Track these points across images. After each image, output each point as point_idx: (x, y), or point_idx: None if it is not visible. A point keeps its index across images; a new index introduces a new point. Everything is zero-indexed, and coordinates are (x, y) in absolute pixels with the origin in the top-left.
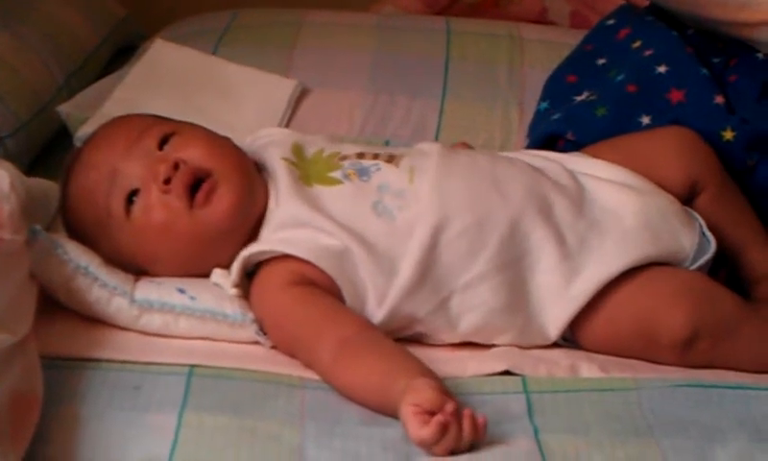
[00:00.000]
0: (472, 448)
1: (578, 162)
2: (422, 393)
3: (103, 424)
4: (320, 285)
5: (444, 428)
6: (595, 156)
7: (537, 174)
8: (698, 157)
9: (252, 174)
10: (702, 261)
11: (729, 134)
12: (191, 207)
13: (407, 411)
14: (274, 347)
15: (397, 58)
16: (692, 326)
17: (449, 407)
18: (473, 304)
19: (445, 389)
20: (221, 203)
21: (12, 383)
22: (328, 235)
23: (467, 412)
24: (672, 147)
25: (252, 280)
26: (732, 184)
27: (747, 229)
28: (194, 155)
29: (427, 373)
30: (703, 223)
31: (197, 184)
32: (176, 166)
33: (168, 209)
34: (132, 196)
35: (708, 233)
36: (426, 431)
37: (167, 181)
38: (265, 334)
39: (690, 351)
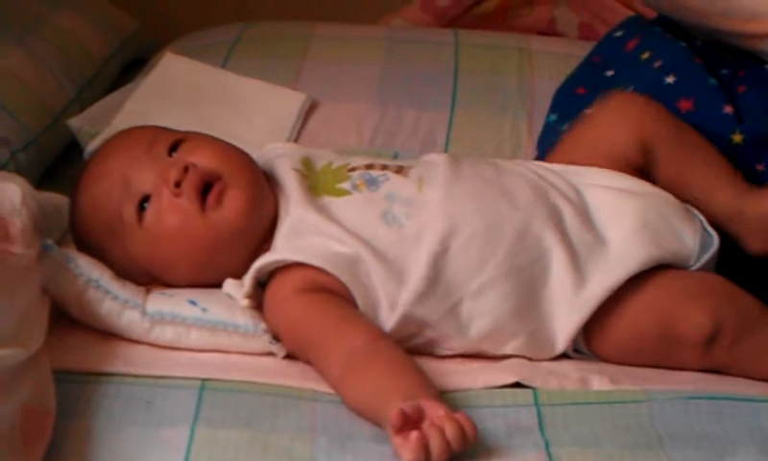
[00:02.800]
0: (481, 459)
1: (577, 172)
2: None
3: (115, 439)
4: (333, 292)
5: (421, 442)
6: (561, 156)
7: (542, 182)
8: (643, 119)
9: (262, 179)
10: (706, 257)
11: (738, 138)
12: (203, 210)
13: (392, 440)
14: (287, 356)
15: (406, 70)
16: (715, 322)
17: (400, 413)
18: (483, 310)
19: (436, 401)
20: (232, 204)
21: (25, 398)
22: (339, 243)
23: (444, 413)
24: (616, 115)
25: (266, 290)
26: (689, 133)
27: (712, 173)
28: (203, 159)
29: (424, 388)
30: (703, 218)
31: (207, 188)
32: (186, 170)
33: (180, 213)
34: (143, 202)
35: (710, 229)
36: (408, 454)
37: (178, 185)
38: (278, 343)
39: (712, 349)
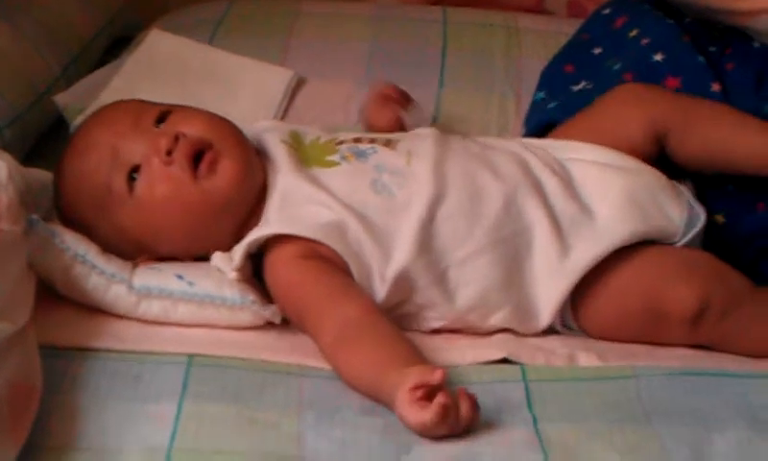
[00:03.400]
0: (470, 435)
1: (563, 147)
2: (413, 376)
3: (102, 414)
4: (329, 260)
5: (444, 408)
6: (564, 135)
7: (527, 156)
8: (651, 102)
9: (252, 149)
10: (692, 234)
11: None
12: (195, 178)
13: (403, 399)
14: (274, 330)
15: (394, 48)
16: (702, 299)
17: (438, 375)
18: (470, 279)
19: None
20: (225, 172)
21: (11, 373)
22: (330, 211)
23: (460, 390)
24: (625, 104)
25: (264, 259)
26: (696, 103)
27: (729, 130)
28: (193, 128)
29: (421, 361)
30: (690, 195)
31: (198, 157)
32: (176, 139)
33: (172, 181)
34: (133, 173)
35: (697, 205)
36: (428, 414)
37: (169, 154)
38: (267, 310)
39: (699, 325)
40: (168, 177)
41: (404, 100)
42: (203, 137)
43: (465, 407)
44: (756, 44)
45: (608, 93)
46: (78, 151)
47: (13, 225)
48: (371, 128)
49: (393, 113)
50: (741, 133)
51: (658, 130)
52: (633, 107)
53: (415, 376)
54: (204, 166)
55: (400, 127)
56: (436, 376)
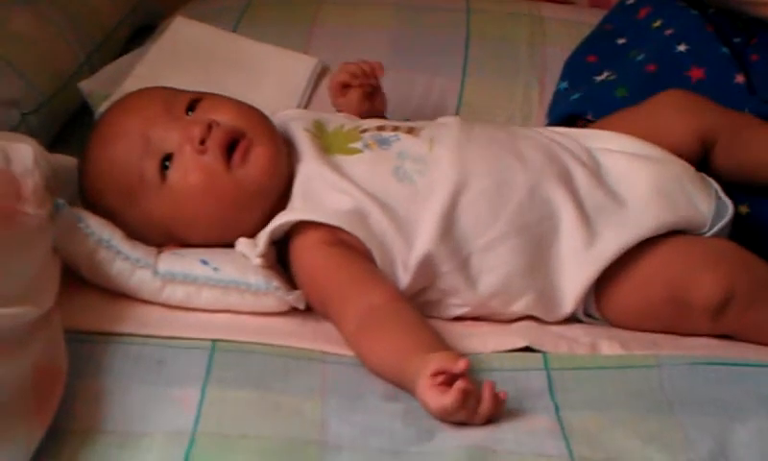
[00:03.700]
0: (492, 423)
1: (592, 137)
2: (435, 361)
3: (127, 398)
4: (352, 247)
5: (464, 394)
6: (605, 128)
7: (554, 144)
8: (700, 112)
9: (281, 138)
10: (720, 225)
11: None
12: (228, 167)
13: (424, 384)
14: (297, 316)
15: (417, 36)
16: (726, 289)
17: (462, 364)
18: (493, 265)
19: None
20: (258, 161)
21: (37, 356)
22: (352, 199)
23: (488, 383)
24: (675, 108)
25: (290, 245)
26: (745, 119)
27: None
28: (226, 116)
29: (444, 348)
30: (718, 186)
31: (230, 146)
32: (209, 128)
33: (206, 171)
34: (165, 161)
35: (725, 197)
36: (448, 398)
37: (203, 142)
38: (290, 295)
39: (723, 315)
40: (201, 166)
41: (364, 80)
42: (235, 126)
43: (487, 398)
44: None
45: (659, 95)
46: (106, 138)
47: (39, 209)
48: (339, 111)
49: (349, 103)
50: None
51: (705, 139)
52: (684, 112)
53: (437, 361)
54: (237, 155)
55: (362, 113)
56: (459, 365)
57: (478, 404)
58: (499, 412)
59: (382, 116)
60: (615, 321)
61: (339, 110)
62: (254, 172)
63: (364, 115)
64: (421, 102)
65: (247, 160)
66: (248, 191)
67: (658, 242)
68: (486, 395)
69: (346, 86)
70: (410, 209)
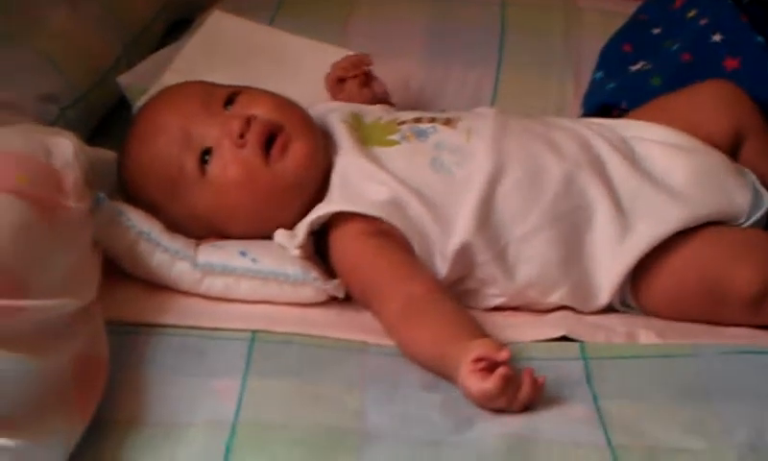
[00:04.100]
0: (530, 412)
1: (628, 126)
2: (478, 348)
3: (168, 389)
4: (392, 237)
5: (506, 379)
6: (642, 118)
7: (589, 134)
8: (739, 107)
9: (319, 131)
10: (757, 216)
11: None
12: (267, 161)
13: (466, 370)
14: (336, 305)
15: (452, 28)
16: (763, 281)
17: (504, 354)
18: (529, 255)
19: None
20: (296, 154)
21: (78, 348)
22: (390, 189)
23: (527, 370)
24: (714, 100)
25: (329, 235)
26: None
27: None
28: (264, 110)
29: (484, 336)
30: (755, 178)
31: (269, 139)
32: (248, 122)
33: (245, 164)
34: (205, 155)
35: (761, 188)
36: (489, 383)
37: (242, 137)
38: (329, 284)
39: (760, 307)
40: (241, 159)
41: (356, 70)
42: (273, 120)
43: (527, 383)
44: None
45: (697, 85)
46: (146, 133)
47: (79, 202)
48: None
49: (350, 95)
50: None
51: (739, 134)
52: (723, 104)
53: (479, 347)
54: (276, 149)
55: (366, 101)
56: (502, 355)
57: (518, 391)
58: (538, 399)
59: (388, 101)
60: (652, 310)
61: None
62: (292, 165)
63: (369, 103)
64: (457, 94)
65: (285, 154)
66: (286, 184)
67: (694, 232)
68: (526, 380)
69: (341, 81)
70: (447, 200)
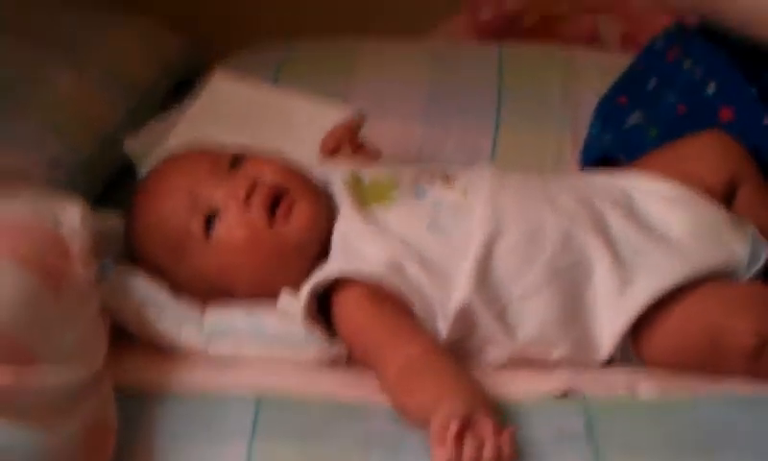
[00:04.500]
0: None
1: (626, 179)
2: (447, 409)
3: (176, 456)
4: (393, 299)
5: (458, 438)
6: (640, 170)
7: (588, 188)
8: (734, 158)
9: (322, 193)
10: (757, 267)
11: None
12: (272, 223)
13: (431, 432)
14: (341, 365)
15: (451, 85)
16: (762, 334)
17: (453, 428)
18: (530, 314)
19: (489, 408)
20: (300, 217)
21: (87, 416)
22: (389, 251)
23: (497, 434)
24: (709, 151)
25: (332, 301)
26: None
27: None
28: (269, 173)
29: (479, 398)
30: (754, 229)
31: (275, 201)
32: (253, 185)
33: (251, 227)
34: (211, 217)
35: (761, 238)
36: (442, 451)
37: (247, 200)
38: (334, 346)
39: (760, 360)
40: (246, 222)
41: (353, 138)
42: (278, 183)
43: (488, 448)
44: None
45: (693, 137)
46: (154, 195)
47: (87, 269)
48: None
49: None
50: None
51: (736, 184)
52: (718, 156)
53: (446, 410)
54: (281, 212)
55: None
56: (451, 430)
57: (481, 449)
58: (509, 454)
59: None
60: (652, 362)
61: None
62: (297, 228)
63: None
64: (456, 151)
65: (289, 217)
66: (290, 246)
67: (694, 286)
68: (488, 437)
69: (335, 150)
70: (446, 260)
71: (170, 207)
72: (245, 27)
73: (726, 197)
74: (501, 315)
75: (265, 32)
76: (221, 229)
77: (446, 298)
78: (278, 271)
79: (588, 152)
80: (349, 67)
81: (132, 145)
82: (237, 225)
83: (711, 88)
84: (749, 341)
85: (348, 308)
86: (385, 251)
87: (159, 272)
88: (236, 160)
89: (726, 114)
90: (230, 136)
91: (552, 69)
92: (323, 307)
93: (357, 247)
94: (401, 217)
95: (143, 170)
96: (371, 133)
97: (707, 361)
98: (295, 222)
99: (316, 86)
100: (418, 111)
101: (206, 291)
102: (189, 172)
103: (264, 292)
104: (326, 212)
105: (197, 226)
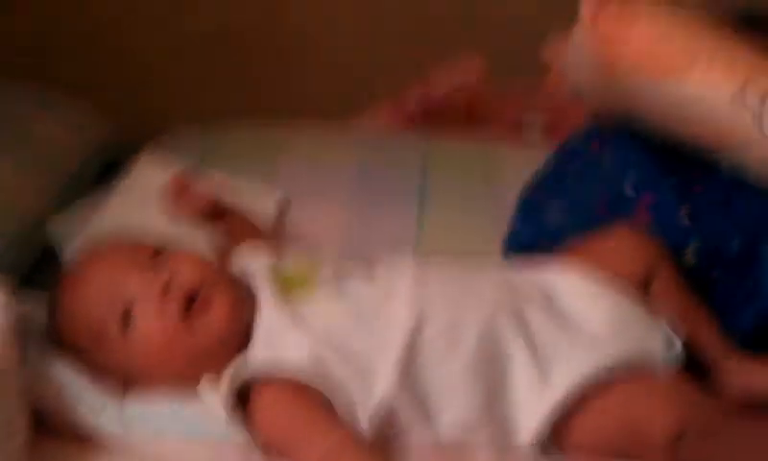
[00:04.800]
0: None
1: (546, 270)
2: None
3: None
4: (311, 394)
5: None
6: (559, 263)
7: (508, 280)
8: (648, 253)
9: (240, 287)
10: (670, 359)
11: (691, 252)
12: (188, 319)
13: None
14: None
15: (377, 174)
16: (679, 423)
17: None
18: (451, 405)
19: None
20: (216, 314)
21: None
22: (311, 346)
23: None
24: (625, 245)
25: (249, 395)
26: (680, 276)
27: (696, 314)
28: (186, 270)
29: None
30: (668, 322)
31: (191, 298)
32: (170, 282)
33: (165, 324)
34: (128, 312)
35: (674, 332)
36: None
37: (163, 297)
38: (253, 441)
39: (677, 448)
40: (161, 319)
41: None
42: (195, 280)
43: None
44: (724, 167)
45: (609, 231)
46: (74, 286)
47: (9, 352)
48: None
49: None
50: (702, 329)
51: (650, 278)
52: (633, 249)
53: None
54: (196, 310)
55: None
56: None
57: None
58: None
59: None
60: (571, 451)
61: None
62: (213, 325)
63: (240, 239)
64: (380, 239)
65: (205, 313)
66: (207, 344)
67: (612, 377)
68: None
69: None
70: (369, 354)
71: (90, 299)
72: (172, 111)
73: (641, 290)
74: (423, 406)
75: (193, 116)
76: (138, 324)
77: (369, 391)
78: (198, 367)
79: (510, 242)
80: (275, 152)
81: (56, 228)
82: (152, 321)
83: (630, 182)
84: (667, 430)
85: (265, 402)
86: (307, 345)
87: (80, 359)
88: (156, 255)
89: (644, 207)
90: (156, 220)
91: (476, 159)
92: (243, 396)
93: (279, 340)
94: (324, 311)
95: (67, 253)
96: (296, 219)
97: (626, 450)
98: (212, 319)
99: (241, 170)
100: (343, 197)
101: (125, 382)
102: (109, 264)
103: (185, 384)
104: (246, 306)
105: (114, 320)
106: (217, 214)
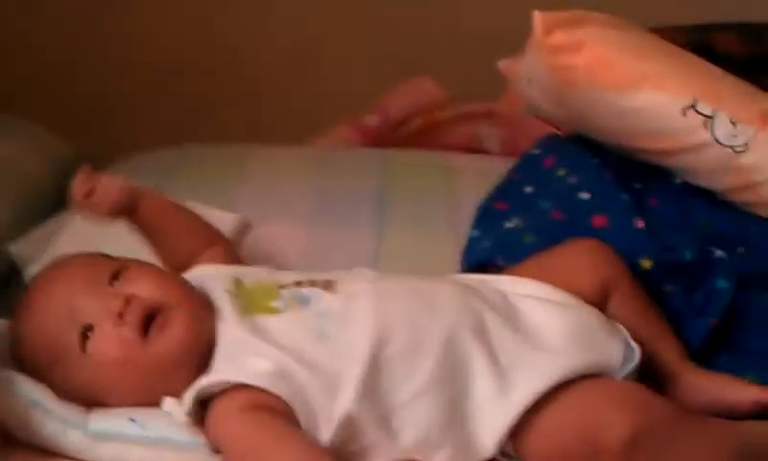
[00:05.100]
0: None
1: (505, 282)
2: None
3: None
4: (274, 409)
5: None
6: (518, 275)
7: (468, 292)
8: (606, 264)
9: (200, 305)
10: (629, 369)
11: (646, 264)
12: (146, 340)
13: None
14: None
15: (336, 191)
16: (633, 429)
17: None
18: (413, 419)
19: None
20: (174, 334)
21: None
22: (275, 362)
23: None
24: (582, 258)
25: (209, 409)
26: (639, 288)
27: (655, 327)
28: (145, 288)
29: None
30: (627, 333)
31: (150, 316)
32: (128, 301)
33: (123, 343)
34: (86, 332)
35: (633, 342)
36: None
37: (120, 316)
38: (218, 456)
39: (635, 453)
40: (119, 339)
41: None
42: (153, 299)
43: None
44: (678, 180)
45: (566, 244)
46: (34, 307)
47: None
48: None
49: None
50: (661, 342)
51: (606, 289)
52: (590, 262)
53: None
54: (154, 329)
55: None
56: None
57: None
58: None
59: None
60: (532, 460)
61: None
62: (172, 344)
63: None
64: (339, 255)
65: (164, 333)
66: (166, 363)
67: (570, 385)
68: None
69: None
70: (331, 368)
71: (47, 320)
72: (134, 132)
73: (600, 302)
74: (385, 420)
75: (156, 137)
76: (95, 344)
77: (332, 404)
78: (157, 385)
79: (468, 255)
80: (237, 172)
81: (17, 249)
82: (110, 341)
83: (585, 196)
84: (621, 438)
85: (223, 419)
86: (269, 360)
87: (42, 378)
88: (116, 274)
89: (599, 221)
90: (117, 241)
91: (434, 174)
92: (207, 408)
93: (240, 356)
94: (286, 327)
95: (29, 274)
96: (256, 238)
97: (584, 457)
98: (170, 337)
99: (203, 190)
100: (303, 216)
101: (86, 401)
102: (67, 284)
103: (146, 403)
104: (206, 323)
105: (73, 340)
106: (132, 201)
